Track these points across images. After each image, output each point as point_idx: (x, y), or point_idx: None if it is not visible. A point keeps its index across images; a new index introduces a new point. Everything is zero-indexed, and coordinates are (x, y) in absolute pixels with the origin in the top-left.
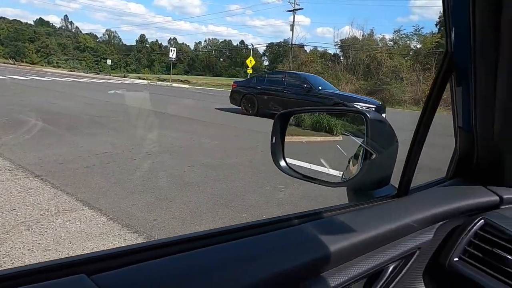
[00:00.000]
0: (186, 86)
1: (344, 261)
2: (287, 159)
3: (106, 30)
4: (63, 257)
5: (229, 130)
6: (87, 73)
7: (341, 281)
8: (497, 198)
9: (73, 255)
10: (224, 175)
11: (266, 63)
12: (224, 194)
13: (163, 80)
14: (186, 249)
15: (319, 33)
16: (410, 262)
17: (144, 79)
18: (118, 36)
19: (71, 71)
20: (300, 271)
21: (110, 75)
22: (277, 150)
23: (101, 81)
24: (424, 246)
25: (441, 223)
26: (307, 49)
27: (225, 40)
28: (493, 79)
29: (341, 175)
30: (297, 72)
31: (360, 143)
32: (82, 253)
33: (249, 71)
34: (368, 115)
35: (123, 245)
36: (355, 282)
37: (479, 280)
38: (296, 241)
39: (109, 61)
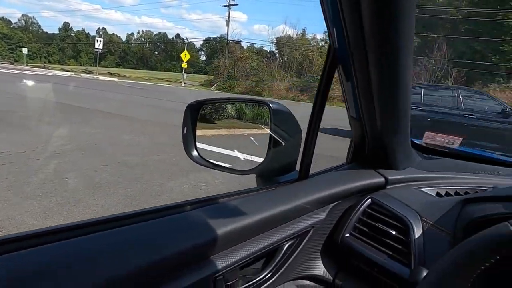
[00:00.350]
0: (115, 79)
1: (236, 243)
2: (198, 146)
3: (23, 15)
4: None
5: (156, 126)
6: None
7: (232, 261)
8: (383, 179)
9: None
10: (141, 174)
11: (203, 58)
12: (137, 196)
13: (90, 72)
14: (73, 236)
15: (256, 30)
16: (305, 240)
17: (68, 70)
18: (37, 23)
19: None
20: (186, 255)
21: (27, 65)
22: (189, 140)
23: (13, 71)
24: (318, 225)
25: (334, 203)
26: (244, 45)
27: (160, 32)
28: (366, 72)
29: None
30: (474, 89)
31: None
32: None
33: (184, 65)
34: (271, 105)
35: None
36: (251, 261)
37: (365, 252)
38: (185, 226)
39: (25, 50)
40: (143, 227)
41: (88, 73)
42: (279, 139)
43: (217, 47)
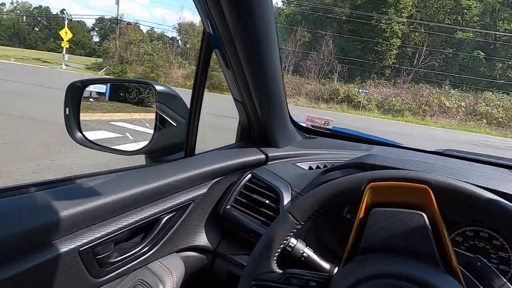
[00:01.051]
0: None
1: (107, 217)
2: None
3: None
4: None
5: None
6: None
7: (102, 234)
8: (263, 156)
9: None
10: None
11: (96, 39)
12: None
13: None
14: None
15: (159, 14)
16: (186, 213)
17: None
18: None
19: None
20: (47, 230)
21: None
22: (71, 121)
23: None
24: (199, 199)
25: (217, 179)
26: (144, 29)
27: (40, 6)
28: (238, 60)
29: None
30: None
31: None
32: None
33: (64, 44)
34: (156, 86)
35: None
36: (127, 235)
37: (243, 221)
38: (50, 201)
39: None
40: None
41: None
42: (167, 120)
43: (113, 28)
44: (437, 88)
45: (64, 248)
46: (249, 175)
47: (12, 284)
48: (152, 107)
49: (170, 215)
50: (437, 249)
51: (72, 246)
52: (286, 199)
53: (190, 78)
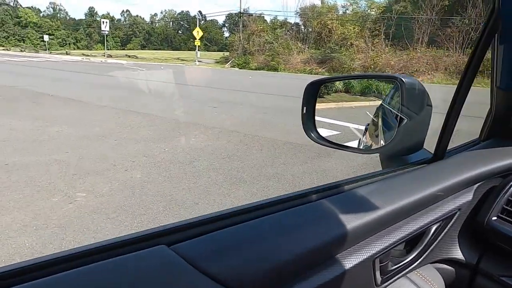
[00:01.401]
0: (123, 61)
1: (388, 225)
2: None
3: (50, 3)
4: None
5: (110, 112)
6: (23, 51)
7: (382, 247)
8: None
9: (152, 227)
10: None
11: (227, 34)
12: None
13: (109, 56)
14: (248, 219)
15: (282, 1)
16: (451, 223)
17: (87, 55)
18: (65, 9)
19: (7, 49)
20: (336, 242)
21: (50, 53)
22: (308, 120)
23: (25, 58)
24: (464, 207)
25: (478, 184)
26: (268, 18)
27: (182, 11)
28: None
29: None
30: None
31: (387, 107)
32: (161, 225)
33: (197, 43)
34: (403, 79)
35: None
36: (399, 245)
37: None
38: (332, 212)
39: (46, 37)
40: (283, 216)
41: (108, 57)
42: (405, 117)
43: (236, 22)
44: None
45: (362, 256)
46: None
47: (327, 283)
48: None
49: (437, 224)
50: None
51: (369, 254)
52: None
53: (309, 63)
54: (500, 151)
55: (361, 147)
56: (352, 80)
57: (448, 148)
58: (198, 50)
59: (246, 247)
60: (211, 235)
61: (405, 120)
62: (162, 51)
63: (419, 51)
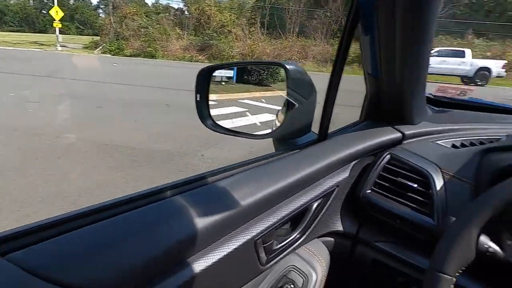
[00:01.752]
0: None
1: (270, 206)
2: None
3: None
4: None
5: None
6: None
7: (263, 229)
8: (400, 134)
9: None
10: None
11: (102, 15)
12: None
13: None
14: (97, 220)
15: None
16: (331, 198)
17: None
18: None
19: None
20: (210, 231)
21: None
22: (203, 107)
23: None
24: (342, 183)
25: (355, 161)
26: (149, 2)
27: None
28: (392, 28)
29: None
30: None
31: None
32: None
33: (57, 24)
34: (287, 66)
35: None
36: (281, 224)
37: (387, 206)
38: (209, 199)
39: None
40: (173, 201)
41: None
42: (294, 101)
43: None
44: (459, 39)
45: (241, 240)
46: (388, 156)
47: (205, 272)
48: (271, 86)
49: (318, 201)
50: None
51: (249, 237)
52: (438, 182)
53: (189, 49)
54: (372, 132)
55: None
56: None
57: (334, 130)
58: (64, 33)
59: (97, 251)
60: (54, 241)
61: (294, 105)
62: (21, 33)
63: (290, 40)
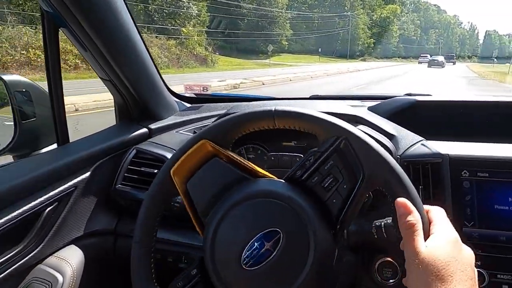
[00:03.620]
0: None
1: None
2: None
3: None
4: None
5: None
6: None
7: None
8: (146, 130)
9: None
10: None
11: None
12: None
13: None
14: None
15: None
16: (71, 200)
17: None
18: None
19: None
20: None
21: None
22: None
23: None
24: (82, 184)
25: (101, 161)
26: None
27: None
28: (89, 37)
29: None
30: None
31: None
32: None
33: None
34: (5, 78)
35: None
36: (5, 234)
37: (137, 194)
38: None
39: None
40: None
41: None
42: (27, 111)
43: None
44: None
45: None
46: (134, 151)
47: None
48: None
49: (53, 205)
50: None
51: None
52: None
53: None
54: (119, 131)
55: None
56: None
57: (88, 135)
58: None
59: None
60: None
61: (26, 116)
62: None
63: None
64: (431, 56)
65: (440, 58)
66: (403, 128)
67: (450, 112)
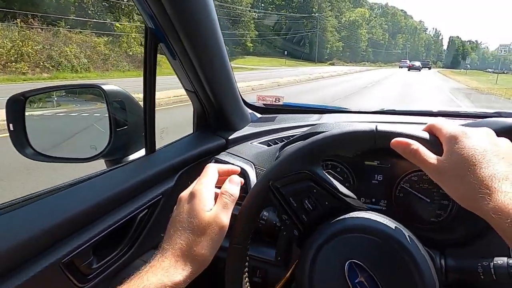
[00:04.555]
0: None
1: (83, 225)
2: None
3: None
4: None
5: None
6: None
7: (81, 243)
8: (223, 141)
9: None
10: None
11: None
12: None
13: None
14: None
15: None
16: (158, 208)
17: None
18: None
19: None
20: (26, 245)
21: None
22: (20, 137)
23: None
24: (168, 192)
25: (182, 170)
26: None
27: None
28: (185, 51)
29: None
30: None
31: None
32: None
33: None
34: (104, 87)
35: None
36: (104, 239)
37: None
38: (26, 217)
39: None
40: None
41: None
42: (121, 120)
43: None
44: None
45: (44, 263)
46: (213, 161)
47: None
48: (102, 108)
49: (143, 212)
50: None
51: (53, 260)
52: (252, 177)
53: None
54: (198, 141)
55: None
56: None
57: (168, 143)
58: None
59: None
60: None
61: (119, 123)
62: None
63: None
64: (410, 62)
65: (418, 63)
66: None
67: None
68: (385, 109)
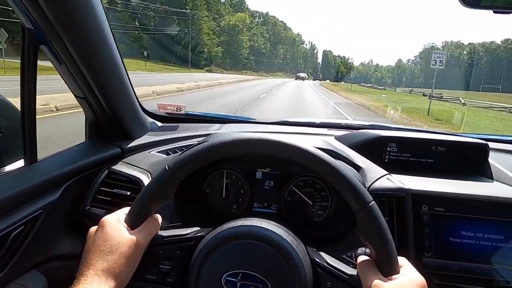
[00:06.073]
0: None
1: None
2: None
3: None
4: None
5: None
6: None
7: None
8: (118, 150)
9: None
10: None
11: None
12: None
13: None
14: None
15: None
16: (38, 224)
17: None
18: None
19: None
20: None
21: None
22: None
23: None
24: (50, 206)
25: (70, 181)
26: None
27: None
28: (70, 55)
29: None
30: None
31: None
32: None
33: None
34: None
35: None
36: None
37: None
38: None
39: None
40: None
41: None
42: None
43: None
44: None
45: None
46: (106, 171)
47: None
48: None
49: (18, 230)
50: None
51: None
52: None
53: None
54: (90, 149)
55: None
56: None
57: (56, 152)
58: None
59: None
60: None
61: None
62: None
63: None
64: (297, 73)
65: (302, 74)
66: (369, 161)
67: (412, 146)
68: (279, 120)
